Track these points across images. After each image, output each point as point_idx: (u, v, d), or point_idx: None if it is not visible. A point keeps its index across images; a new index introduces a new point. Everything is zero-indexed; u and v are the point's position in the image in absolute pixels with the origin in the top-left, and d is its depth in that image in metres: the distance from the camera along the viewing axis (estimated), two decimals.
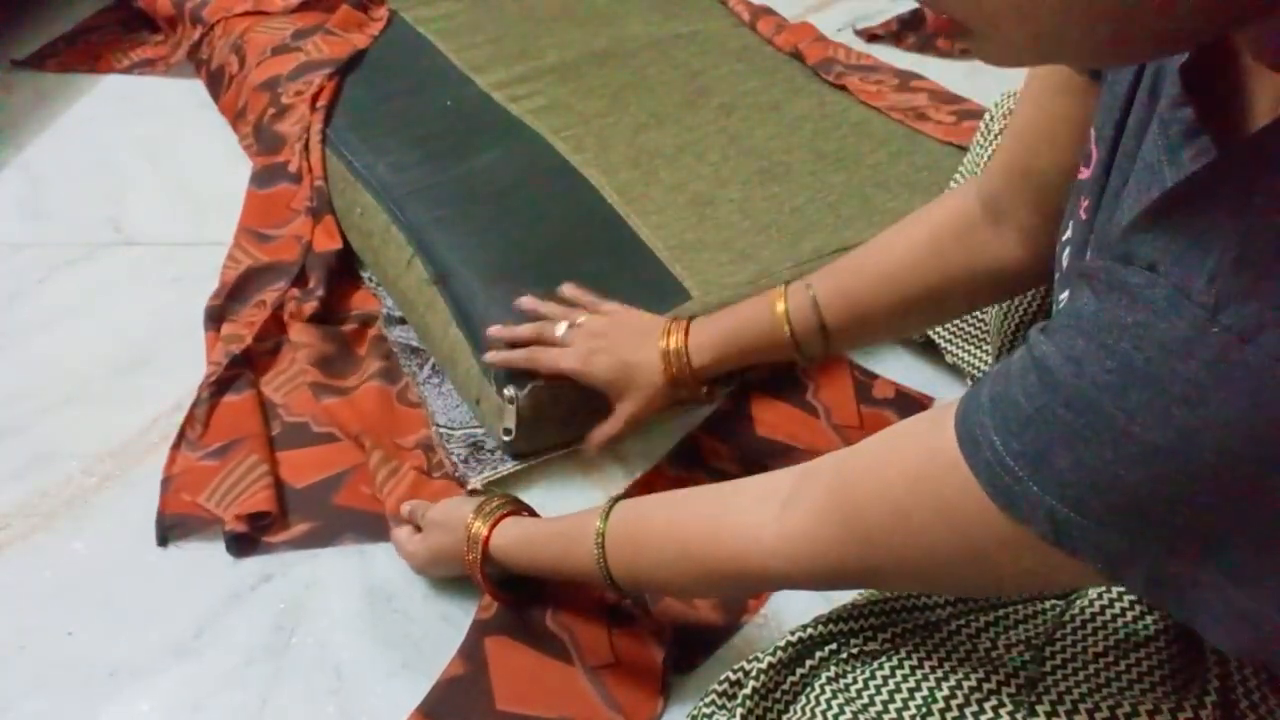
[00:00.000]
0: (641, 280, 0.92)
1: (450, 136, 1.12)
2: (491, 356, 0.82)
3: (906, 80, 1.27)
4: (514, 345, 0.82)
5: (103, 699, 0.69)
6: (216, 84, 1.33)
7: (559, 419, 0.83)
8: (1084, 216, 0.49)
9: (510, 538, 0.66)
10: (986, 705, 0.48)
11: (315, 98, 1.17)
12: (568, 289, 0.85)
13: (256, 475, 0.81)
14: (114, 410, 0.89)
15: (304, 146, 1.12)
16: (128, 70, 1.43)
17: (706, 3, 1.42)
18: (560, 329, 0.81)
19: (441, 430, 0.86)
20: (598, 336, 0.79)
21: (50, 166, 1.24)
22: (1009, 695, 0.48)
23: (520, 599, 0.72)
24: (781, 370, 0.91)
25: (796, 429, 0.87)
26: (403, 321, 0.97)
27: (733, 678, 0.57)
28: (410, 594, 0.75)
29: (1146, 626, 0.52)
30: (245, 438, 0.84)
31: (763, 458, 0.84)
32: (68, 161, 1.24)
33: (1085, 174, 0.50)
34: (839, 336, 0.72)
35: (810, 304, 0.71)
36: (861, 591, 0.61)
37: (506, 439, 0.82)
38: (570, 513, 0.66)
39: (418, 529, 0.74)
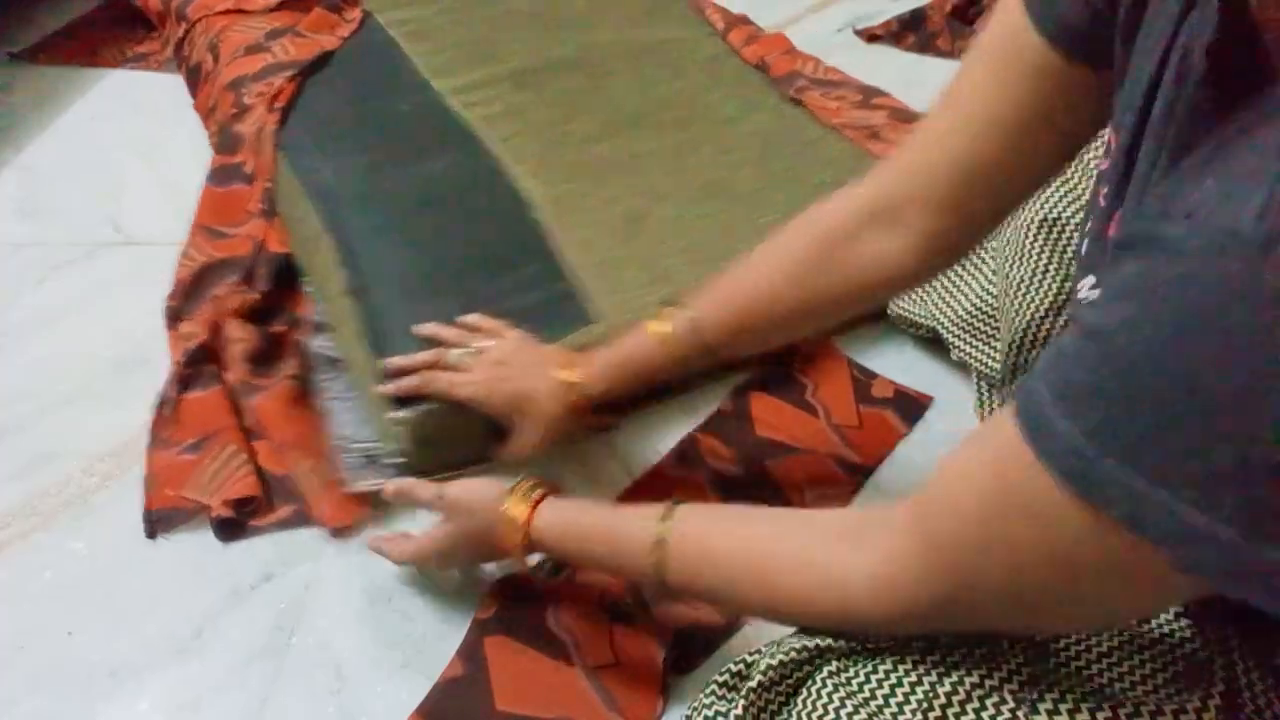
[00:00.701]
0: (551, 299, 0.91)
1: (399, 143, 1.12)
2: (384, 389, 0.82)
3: (869, 97, 1.24)
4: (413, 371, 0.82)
5: (103, 698, 0.69)
6: (194, 81, 1.34)
7: (455, 440, 0.82)
8: (1102, 204, 0.49)
9: (553, 524, 0.65)
10: (988, 702, 0.48)
11: (274, 99, 1.17)
12: (472, 317, 0.85)
13: (237, 464, 0.82)
14: (114, 410, 0.90)
15: (258, 148, 1.12)
16: (122, 65, 1.43)
17: (682, 10, 1.42)
18: (454, 355, 0.81)
19: (341, 441, 0.85)
20: (498, 365, 0.79)
21: (50, 166, 1.24)
22: (1011, 692, 0.48)
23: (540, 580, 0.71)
24: (779, 370, 0.91)
25: (796, 429, 0.87)
26: (328, 329, 0.95)
27: (735, 669, 0.57)
28: (410, 594, 0.75)
29: (1152, 630, 0.52)
30: (219, 430, 0.84)
31: (763, 457, 0.84)
32: (67, 161, 1.25)
33: (1104, 165, 0.50)
34: (724, 352, 0.74)
35: (690, 326, 0.72)
36: None
37: (399, 460, 0.81)
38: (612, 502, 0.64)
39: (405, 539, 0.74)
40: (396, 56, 1.28)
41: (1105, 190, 0.49)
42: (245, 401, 0.88)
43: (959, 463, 0.45)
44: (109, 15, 1.56)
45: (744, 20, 1.41)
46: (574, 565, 0.70)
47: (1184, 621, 0.52)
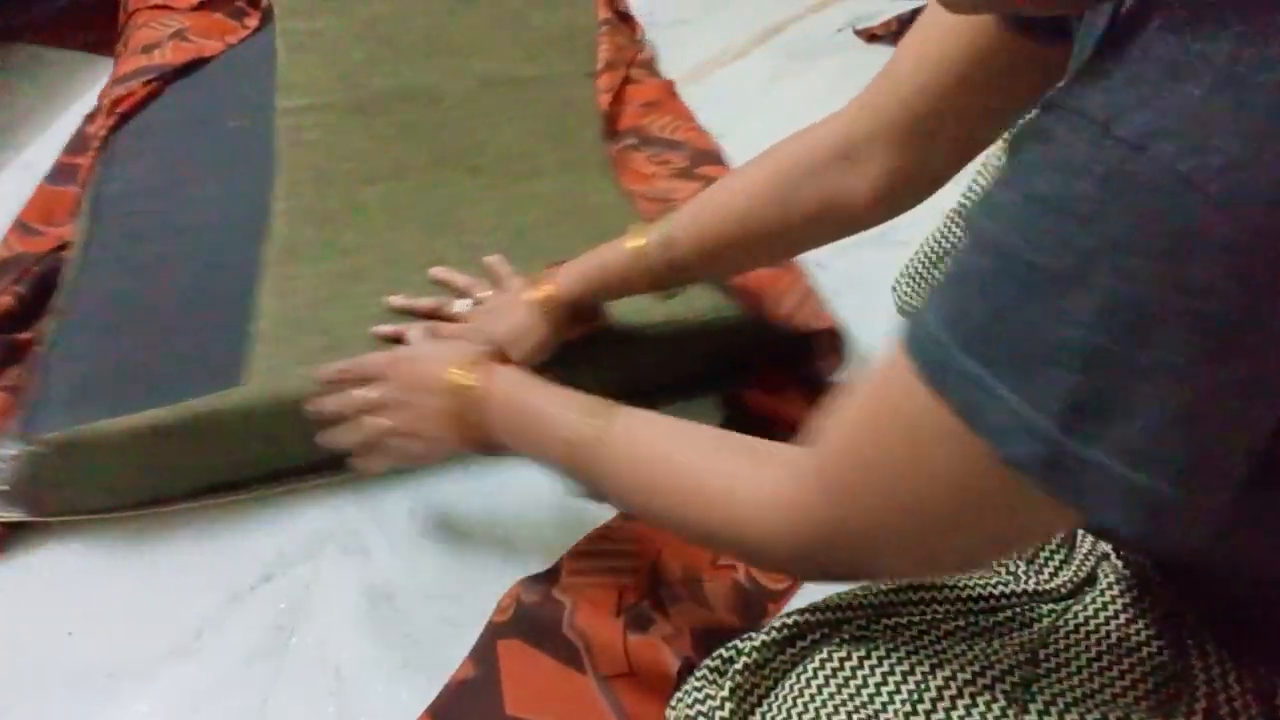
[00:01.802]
0: (208, 352, 0.85)
1: (200, 162, 1.10)
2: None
3: (697, 164, 1.15)
4: (417, 315, 0.86)
5: (102, 699, 0.69)
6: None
7: (83, 484, 0.78)
8: None
9: (505, 389, 0.64)
10: (979, 700, 0.48)
11: (116, 104, 1.17)
12: (461, 279, 0.89)
13: None
14: None
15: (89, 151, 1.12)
16: (94, 50, 1.43)
17: (585, 43, 1.33)
18: (458, 305, 0.87)
19: None
20: (487, 311, 0.84)
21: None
22: (1002, 692, 0.48)
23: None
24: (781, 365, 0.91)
25: (795, 411, 0.86)
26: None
27: (725, 655, 0.57)
28: (410, 594, 0.75)
29: (1138, 632, 0.52)
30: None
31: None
32: None
33: None
34: (694, 269, 0.76)
35: (662, 240, 0.74)
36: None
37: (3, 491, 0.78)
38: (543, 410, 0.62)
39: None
40: (266, 70, 1.24)
41: None
42: None
43: (853, 385, 0.45)
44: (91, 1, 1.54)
45: (635, 62, 1.35)
46: (510, 442, 0.65)
47: (1160, 631, 0.52)
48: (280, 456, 0.81)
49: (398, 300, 0.88)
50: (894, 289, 0.95)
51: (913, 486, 0.40)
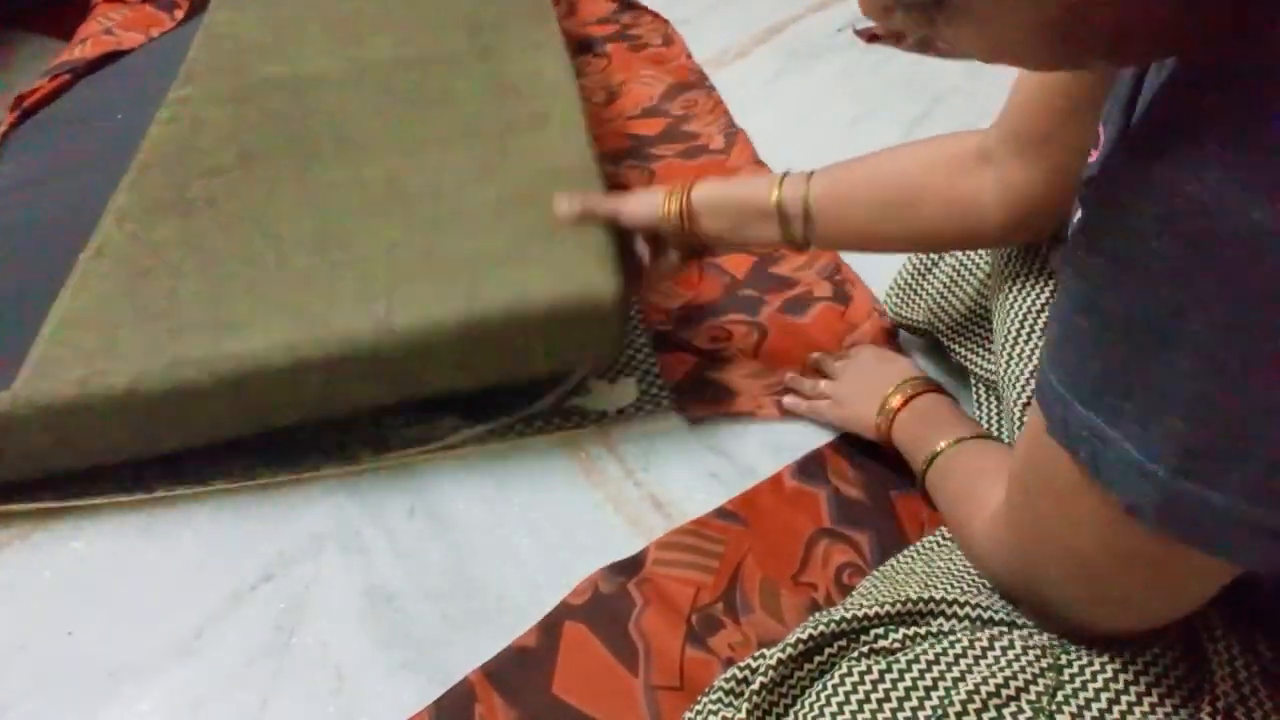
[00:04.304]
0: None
1: (80, 157, 1.08)
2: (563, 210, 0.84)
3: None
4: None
5: (103, 699, 0.69)
6: None
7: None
8: None
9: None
10: (1005, 712, 0.47)
11: (23, 98, 1.17)
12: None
13: None
14: None
15: None
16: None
17: (487, 23, 1.23)
18: None
19: None
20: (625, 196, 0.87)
21: None
22: (1028, 702, 0.48)
23: None
24: None
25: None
26: None
27: (739, 675, 0.56)
28: (410, 594, 0.75)
29: (1148, 653, 0.51)
30: None
31: (888, 487, 0.81)
32: None
33: (1094, 157, 0.50)
34: (821, 225, 0.77)
35: (802, 187, 0.76)
36: (877, 591, 0.61)
37: None
38: None
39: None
40: (177, 61, 1.18)
41: None
42: None
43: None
44: None
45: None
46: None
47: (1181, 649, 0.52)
48: (38, 465, 0.79)
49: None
50: (886, 299, 0.95)
51: (1062, 536, 0.44)
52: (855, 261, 1.03)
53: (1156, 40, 0.35)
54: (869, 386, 0.81)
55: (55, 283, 0.86)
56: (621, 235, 0.84)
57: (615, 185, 1.10)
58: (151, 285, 0.84)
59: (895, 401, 0.77)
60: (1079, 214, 0.52)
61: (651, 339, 0.95)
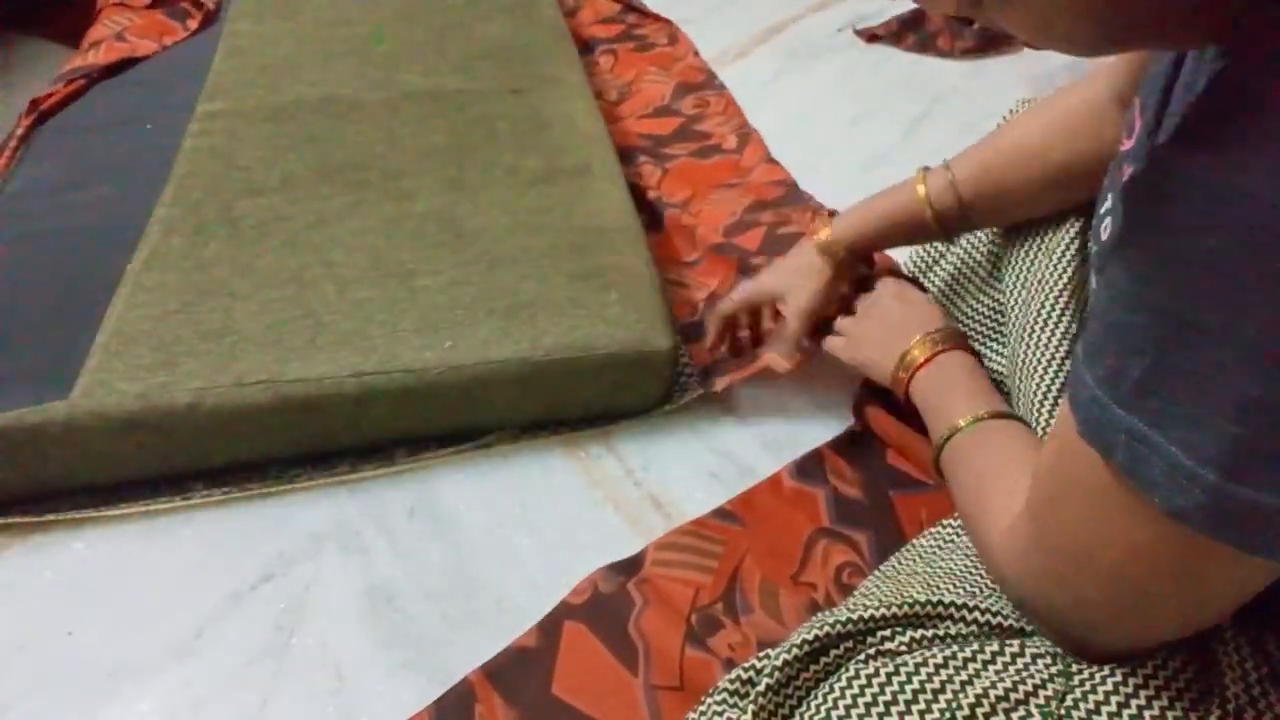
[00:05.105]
0: (46, 363, 0.81)
1: (103, 165, 1.08)
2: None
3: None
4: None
5: (103, 699, 0.69)
6: None
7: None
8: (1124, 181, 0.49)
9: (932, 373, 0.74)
10: (1014, 716, 0.47)
11: (38, 102, 1.17)
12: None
13: None
14: None
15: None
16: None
17: (517, 57, 1.26)
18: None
19: None
20: (773, 269, 0.89)
21: None
22: (1037, 707, 0.47)
23: None
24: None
25: (924, 461, 0.83)
26: None
27: (744, 676, 0.56)
28: (410, 594, 0.75)
29: (1157, 658, 0.51)
30: None
31: (888, 487, 0.82)
32: None
33: (1128, 144, 0.50)
34: (978, 213, 0.78)
35: (948, 184, 0.77)
36: (880, 591, 0.60)
37: None
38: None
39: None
40: (198, 73, 1.20)
41: (1129, 170, 0.49)
42: None
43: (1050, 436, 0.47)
44: None
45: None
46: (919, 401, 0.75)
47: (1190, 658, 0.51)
48: (103, 472, 0.80)
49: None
50: None
51: (1090, 543, 0.42)
52: None
53: (1203, 24, 0.34)
54: (889, 331, 0.78)
55: (97, 290, 0.88)
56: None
57: (631, 183, 1.11)
58: (207, 303, 0.86)
59: (918, 356, 0.74)
60: (1109, 202, 0.52)
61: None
